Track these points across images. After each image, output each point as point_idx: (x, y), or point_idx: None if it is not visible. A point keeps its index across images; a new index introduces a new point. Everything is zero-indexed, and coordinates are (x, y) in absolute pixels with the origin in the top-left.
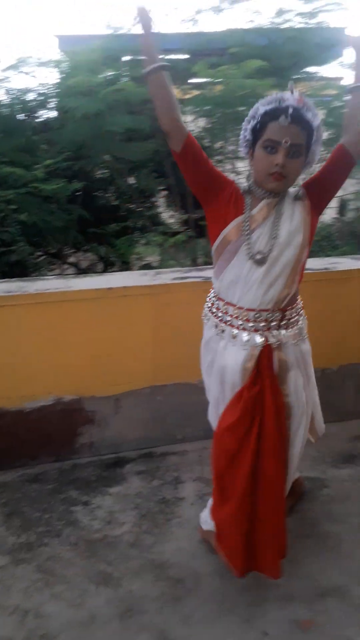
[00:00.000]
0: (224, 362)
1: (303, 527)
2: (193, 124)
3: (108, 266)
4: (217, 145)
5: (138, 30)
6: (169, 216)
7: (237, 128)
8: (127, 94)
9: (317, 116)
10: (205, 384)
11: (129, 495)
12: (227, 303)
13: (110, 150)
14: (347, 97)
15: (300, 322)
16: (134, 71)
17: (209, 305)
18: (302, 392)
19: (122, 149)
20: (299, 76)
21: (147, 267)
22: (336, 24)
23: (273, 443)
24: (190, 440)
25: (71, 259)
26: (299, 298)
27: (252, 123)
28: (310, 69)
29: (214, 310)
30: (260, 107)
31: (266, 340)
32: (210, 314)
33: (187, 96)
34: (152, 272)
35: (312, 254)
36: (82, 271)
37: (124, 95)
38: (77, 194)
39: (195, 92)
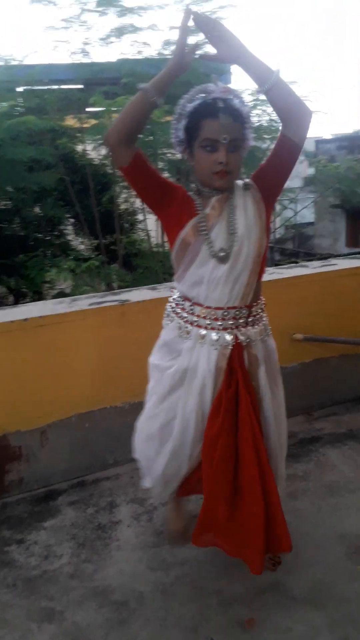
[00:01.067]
0: (193, 363)
1: None
2: (95, 152)
3: (20, 298)
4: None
5: (31, 60)
6: (79, 243)
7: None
8: (29, 125)
9: (243, 102)
10: (153, 380)
11: (64, 527)
12: (195, 303)
13: (13, 181)
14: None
15: (264, 319)
16: (30, 102)
17: (173, 305)
18: (268, 390)
19: (25, 179)
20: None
21: (61, 294)
22: None
23: (252, 435)
24: (122, 463)
25: None
26: (261, 294)
27: (183, 122)
28: None
29: (179, 310)
30: (187, 103)
31: (236, 338)
32: (173, 315)
33: (85, 125)
34: (68, 299)
35: None
36: None
37: (27, 127)
38: None
39: (93, 121)
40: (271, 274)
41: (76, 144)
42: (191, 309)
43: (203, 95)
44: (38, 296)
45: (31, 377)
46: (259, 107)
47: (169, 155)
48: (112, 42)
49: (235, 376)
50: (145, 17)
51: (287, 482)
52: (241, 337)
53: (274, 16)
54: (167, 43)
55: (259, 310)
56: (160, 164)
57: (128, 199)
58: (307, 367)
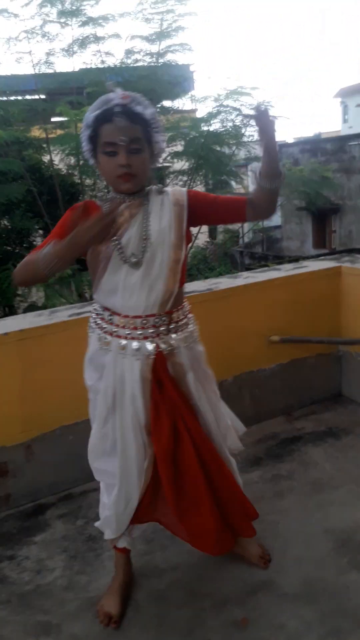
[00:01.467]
0: (118, 376)
1: None
2: (62, 163)
3: None
4: (88, 182)
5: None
6: None
7: None
8: None
9: (147, 107)
10: (91, 402)
11: (55, 540)
12: (113, 312)
13: None
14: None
15: (190, 326)
16: None
17: (94, 316)
18: (202, 393)
19: None
20: (157, 110)
21: (33, 307)
22: (183, 61)
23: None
24: None
25: None
26: (186, 301)
27: (87, 132)
28: (165, 104)
29: (99, 321)
30: (90, 114)
31: (157, 347)
32: (94, 326)
33: (52, 135)
34: (47, 311)
35: (193, 278)
36: None
37: None
38: None
39: (59, 132)
40: (245, 278)
41: (43, 155)
42: (110, 319)
43: (105, 103)
44: (9, 309)
45: (14, 392)
46: (223, 114)
47: None
48: (75, 53)
49: (164, 384)
50: (107, 27)
51: (272, 483)
52: (162, 346)
53: (270, 16)
54: (129, 52)
55: (182, 317)
56: None
57: None
58: (285, 368)
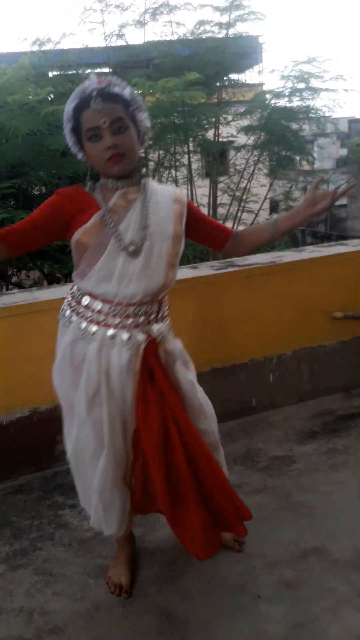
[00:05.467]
0: (104, 367)
1: (278, 500)
2: None
3: (53, 282)
4: (155, 155)
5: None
6: None
7: (171, 137)
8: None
9: (125, 87)
10: (64, 399)
11: None
12: (103, 300)
13: (48, 167)
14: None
15: (168, 316)
16: (63, 87)
17: (73, 304)
18: (192, 385)
19: (59, 165)
20: (224, 84)
21: None
22: (253, 32)
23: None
24: None
25: (14, 279)
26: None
27: (69, 125)
28: (232, 77)
29: (81, 310)
30: (69, 105)
31: (149, 335)
32: (74, 315)
33: None
34: None
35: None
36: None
37: (61, 115)
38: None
39: None
40: (310, 252)
41: None
42: (99, 307)
43: (81, 92)
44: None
45: None
46: (292, 88)
47: (200, 136)
48: (146, 23)
49: (154, 373)
50: None
51: (327, 456)
52: (155, 333)
53: None
54: (200, 23)
55: (165, 307)
56: (192, 145)
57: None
58: (347, 345)
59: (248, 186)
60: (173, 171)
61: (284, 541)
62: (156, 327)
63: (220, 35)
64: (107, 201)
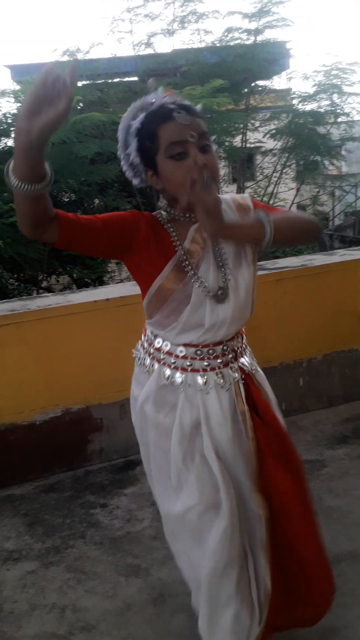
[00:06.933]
0: (202, 415)
1: None
2: None
3: (82, 287)
4: None
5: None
6: None
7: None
8: (94, 121)
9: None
10: (147, 460)
11: (143, 494)
12: (186, 345)
13: (77, 175)
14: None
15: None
16: (91, 95)
17: (152, 352)
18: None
19: (89, 172)
20: (250, 90)
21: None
22: (281, 38)
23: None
24: None
25: (44, 284)
26: None
27: (133, 144)
28: (260, 83)
29: (162, 357)
30: (130, 122)
31: (241, 370)
32: (156, 364)
33: None
34: None
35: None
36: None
37: (91, 122)
38: None
39: None
40: (342, 255)
41: None
42: (182, 353)
43: (147, 107)
44: (100, 283)
45: (111, 354)
46: (320, 93)
47: (226, 142)
48: (175, 32)
49: (260, 411)
50: (207, 3)
51: (346, 461)
52: (246, 366)
53: None
54: (228, 30)
55: (243, 336)
56: (221, 152)
57: None
58: None
59: (275, 190)
60: None
61: None
62: (242, 361)
63: (249, 42)
64: (182, 239)
